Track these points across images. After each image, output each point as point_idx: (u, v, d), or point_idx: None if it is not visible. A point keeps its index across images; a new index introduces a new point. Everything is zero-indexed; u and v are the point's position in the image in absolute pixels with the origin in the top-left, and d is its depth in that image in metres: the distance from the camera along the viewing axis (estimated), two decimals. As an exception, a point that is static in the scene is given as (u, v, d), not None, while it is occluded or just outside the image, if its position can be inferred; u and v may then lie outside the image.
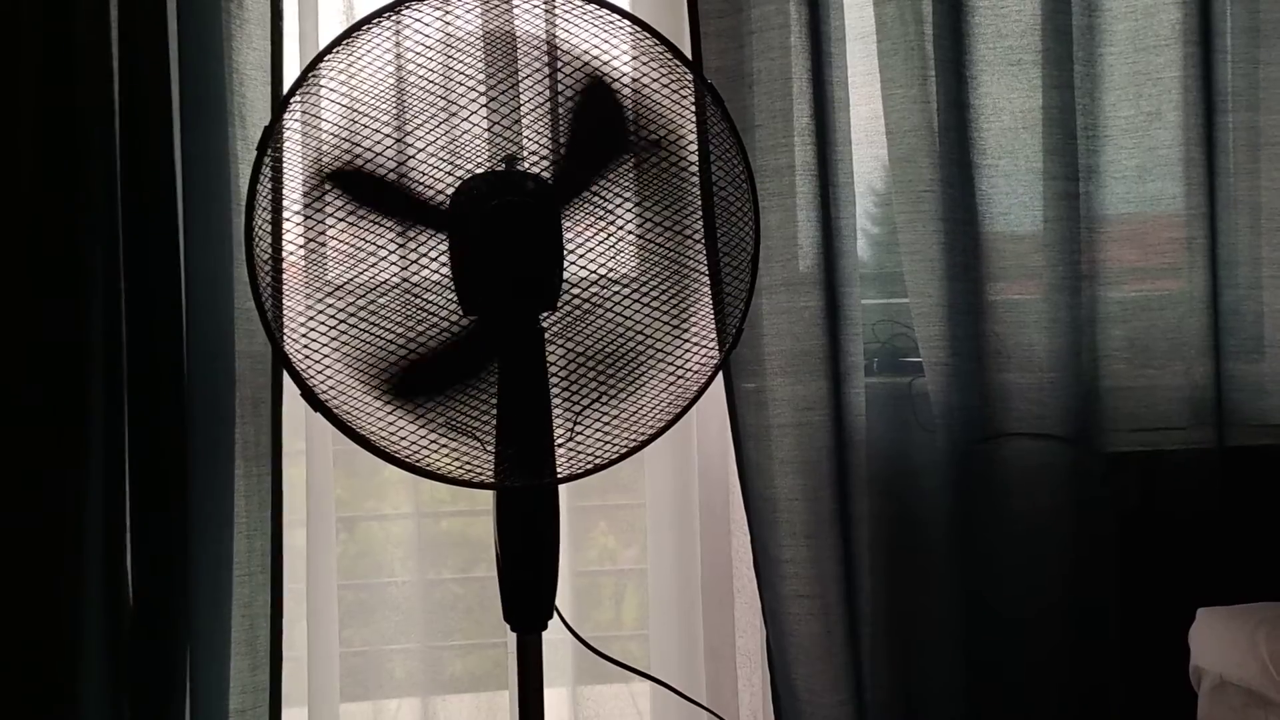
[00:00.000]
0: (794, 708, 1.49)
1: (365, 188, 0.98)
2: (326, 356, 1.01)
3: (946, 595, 1.51)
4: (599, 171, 1.03)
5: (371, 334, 1.00)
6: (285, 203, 1.00)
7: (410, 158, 0.99)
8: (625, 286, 1.06)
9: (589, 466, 1.06)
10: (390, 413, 1.01)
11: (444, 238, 1.00)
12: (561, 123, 1.01)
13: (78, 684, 1.29)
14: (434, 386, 1.02)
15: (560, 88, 1.01)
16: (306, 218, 0.99)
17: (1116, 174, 1.57)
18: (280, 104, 1.01)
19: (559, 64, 1.02)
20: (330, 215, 0.98)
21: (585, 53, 1.02)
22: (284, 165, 1.00)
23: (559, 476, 1.06)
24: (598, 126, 1.02)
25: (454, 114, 0.99)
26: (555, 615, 1.11)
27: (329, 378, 1.02)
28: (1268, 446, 1.60)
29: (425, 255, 1.00)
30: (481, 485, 1.04)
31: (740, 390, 1.48)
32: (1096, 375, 1.56)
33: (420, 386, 1.02)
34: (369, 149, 0.98)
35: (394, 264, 1.00)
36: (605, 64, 1.02)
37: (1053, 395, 1.53)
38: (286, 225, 1.00)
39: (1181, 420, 1.58)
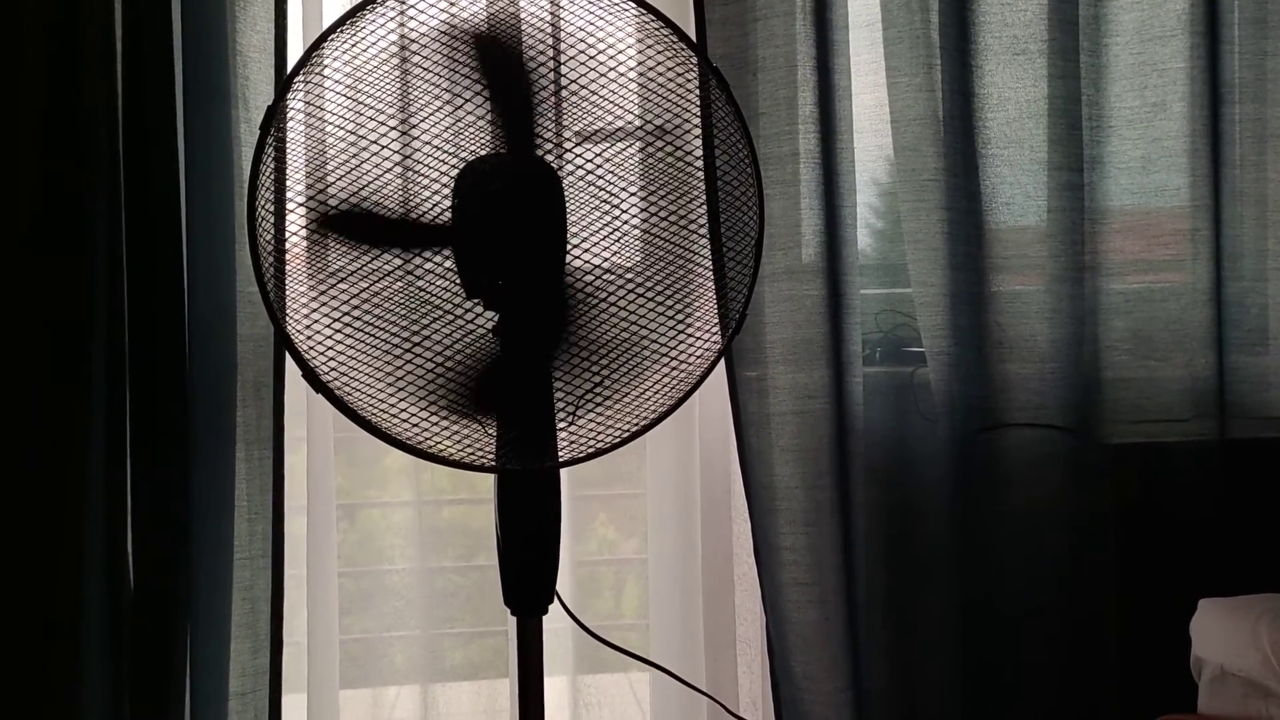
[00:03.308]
0: (793, 695, 1.49)
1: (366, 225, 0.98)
2: (327, 335, 1.01)
3: (945, 584, 1.51)
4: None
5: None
6: (288, 183, 1.00)
7: (414, 139, 0.99)
8: (628, 273, 1.06)
9: (590, 451, 1.06)
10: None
11: (447, 206, 0.98)
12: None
13: (79, 664, 1.29)
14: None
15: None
16: (310, 187, 0.98)
17: (1121, 165, 1.57)
18: (283, 84, 1.01)
19: (563, 46, 1.02)
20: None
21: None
22: (287, 146, 1.00)
23: (560, 460, 1.06)
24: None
25: (458, 94, 0.99)
26: (556, 601, 1.11)
27: (331, 358, 1.01)
28: (1270, 439, 1.60)
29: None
30: (482, 468, 1.04)
31: (742, 378, 1.48)
32: (1098, 366, 1.56)
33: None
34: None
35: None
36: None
37: (1054, 386, 1.53)
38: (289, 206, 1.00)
39: (1183, 412, 1.58)
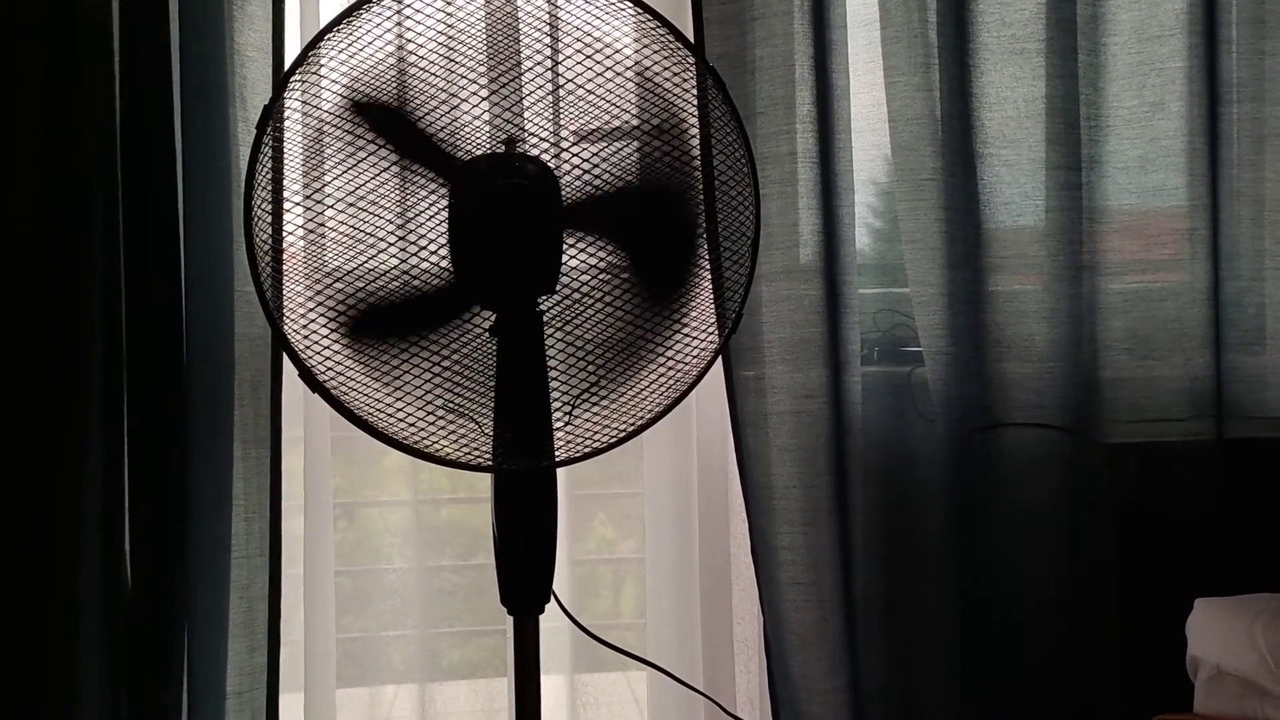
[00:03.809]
0: (790, 694, 1.49)
1: (383, 119, 0.98)
2: (324, 335, 1.01)
3: (943, 583, 1.51)
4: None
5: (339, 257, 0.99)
6: (285, 181, 1.00)
7: (423, 119, 0.98)
8: (625, 272, 1.06)
9: (587, 450, 1.06)
10: (346, 352, 1.01)
11: (444, 204, 0.99)
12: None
13: (76, 663, 1.30)
14: (397, 329, 1.01)
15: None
16: (307, 185, 0.99)
17: (1119, 164, 1.57)
18: (280, 82, 1.01)
19: (560, 46, 1.02)
20: (338, 147, 0.97)
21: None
22: (284, 144, 1.00)
23: (557, 460, 1.06)
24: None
25: (455, 94, 0.99)
26: (553, 600, 1.11)
27: (327, 358, 1.01)
28: (1267, 439, 1.60)
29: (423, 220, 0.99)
30: (479, 468, 1.04)
31: (739, 378, 1.48)
32: (1096, 366, 1.56)
33: (383, 328, 1.01)
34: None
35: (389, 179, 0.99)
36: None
37: (1052, 385, 1.53)
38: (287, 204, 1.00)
39: (1181, 412, 1.58)
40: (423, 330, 1.01)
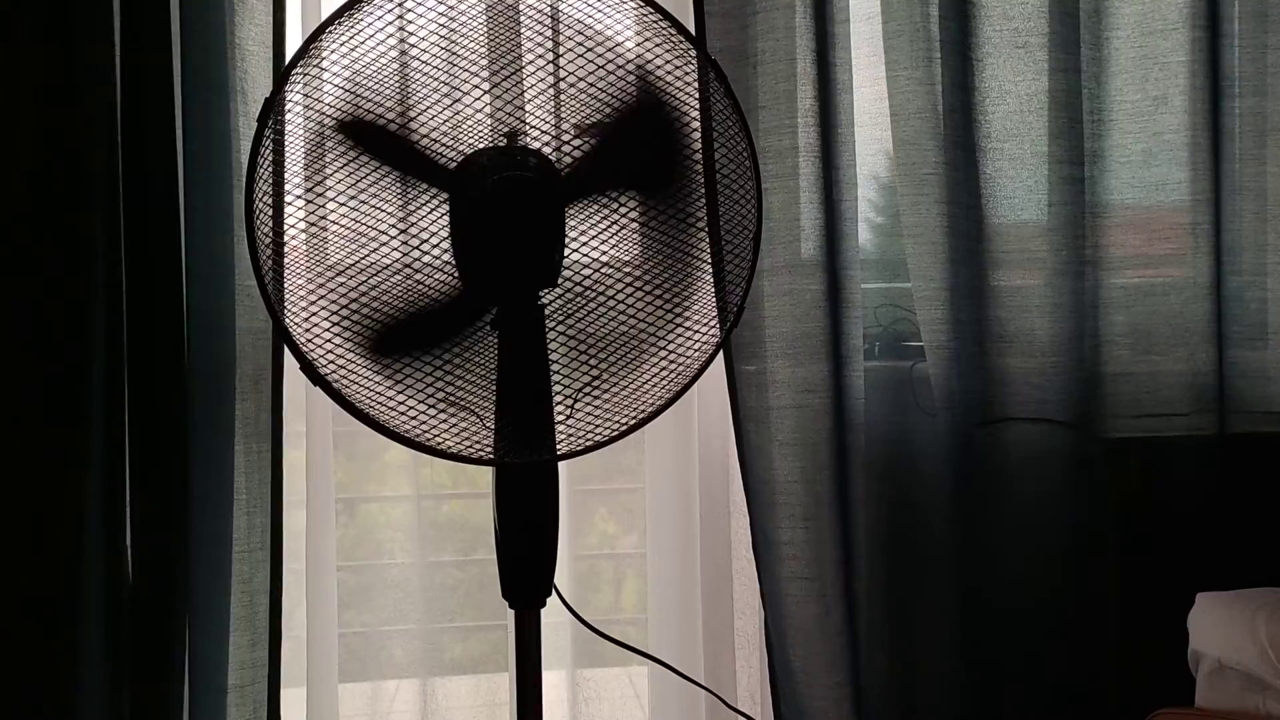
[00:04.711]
0: (791, 689, 1.49)
1: (370, 137, 0.98)
2: (326, 329, 1.01)
3: (944, 578, 1.51)
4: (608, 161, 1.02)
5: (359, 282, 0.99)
6: (287, 175, 1.00)
7: (412, 131, 0.99)
8: (626, 267, 1.05)
9: (588, 444, 1.06)
10: (370, 369, 1.01)
11: (445, 197, 0.99)
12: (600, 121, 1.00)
13: (78, 657, 1.30)
14: (416, 344, 1.01)
15: (592, 80, 0.99)
16: (308, 179, 0.98)
17: (1122, 159, 1.57)
18: (282, 75, 1.00)
19: (561, 39, 1.02)
20: (332, 164, 0.98)
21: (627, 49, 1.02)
22: (285, 137, 1.00)
23: (558, 453, 1.06)
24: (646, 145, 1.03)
25: (456, 88, 0.99)
26: (554, 594, 1.11)
27: (329, 351, 1.01)
28: (1269, 434, 1.60)
29: (425, 214, 0.99)
30: (480, 461, 1.04)
31: (741, 372, 1.48)
32: (1098, 361, 1.56)
33: (403, 344, 1.01)
34: (374, 106, 0.98)
35: (393, 216, 0.99)
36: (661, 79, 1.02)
37: (1054, 380, 1.53)
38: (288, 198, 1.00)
39: (1183, 407, 1.58)
40: (440, 343, 1.01)
